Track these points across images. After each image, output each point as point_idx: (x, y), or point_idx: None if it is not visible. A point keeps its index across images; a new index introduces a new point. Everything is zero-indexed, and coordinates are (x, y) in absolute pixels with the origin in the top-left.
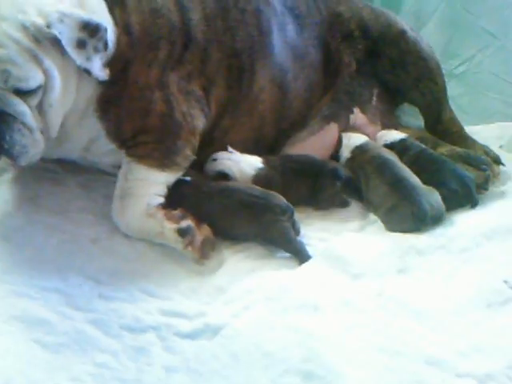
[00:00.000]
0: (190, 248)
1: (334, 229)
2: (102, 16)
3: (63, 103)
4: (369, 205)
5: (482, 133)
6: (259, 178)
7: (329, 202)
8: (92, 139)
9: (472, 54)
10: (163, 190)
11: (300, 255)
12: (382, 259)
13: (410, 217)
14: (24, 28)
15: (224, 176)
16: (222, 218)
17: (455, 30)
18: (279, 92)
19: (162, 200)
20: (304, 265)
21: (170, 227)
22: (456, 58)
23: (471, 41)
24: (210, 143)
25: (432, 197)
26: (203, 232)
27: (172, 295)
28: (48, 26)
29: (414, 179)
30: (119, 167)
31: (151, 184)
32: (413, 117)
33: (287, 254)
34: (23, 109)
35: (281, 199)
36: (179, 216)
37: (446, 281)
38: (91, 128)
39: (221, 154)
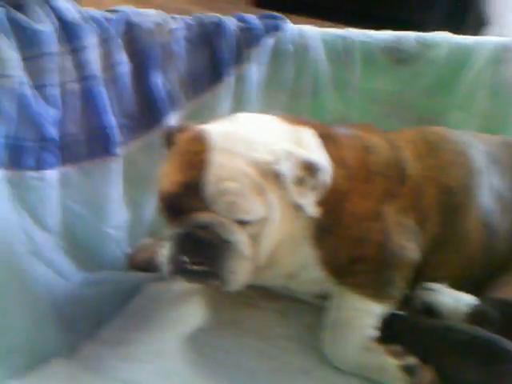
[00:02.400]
0: None
1: None
2: (319, 153)
3: (278, 233)
4: None
5: None
6: (475, 316)
7: None
8: (302, 266)
9: None
10: (378, 323)
11: None
12: None
13: None
14: (255, 164)
15: (428, 311)
16: (441, 361)
17: None
18: (487, 232)
19: (376, 333)
20: None
21: (394, 363)
22: None
23: None
24: (418, 279)
25: None
26: (429, 373)
27: None
28: (276, 163)
29: None
30: (320, 297)
31: (367, 315)
32: None
33: None
34: (242, 238)
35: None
36: (401, 352)
37: None
38: (303, 255)
39: (435, 285)
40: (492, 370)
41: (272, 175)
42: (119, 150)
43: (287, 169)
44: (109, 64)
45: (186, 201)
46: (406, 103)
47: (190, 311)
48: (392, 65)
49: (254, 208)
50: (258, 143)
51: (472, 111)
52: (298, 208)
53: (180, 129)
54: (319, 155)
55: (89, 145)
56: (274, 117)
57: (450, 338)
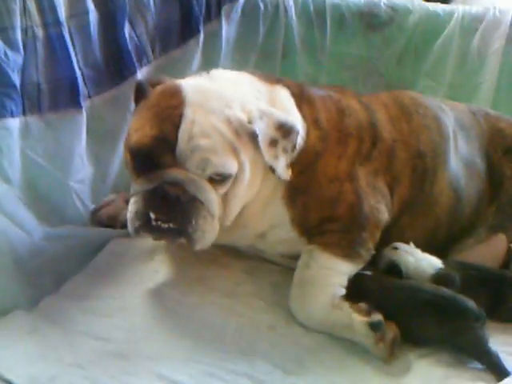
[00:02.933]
0: (381, 345)
1: None
2: (293, 113)
3: (247, 194)
4: None
5: None
6: (438, 278)
7: (507, 315)
8: (272, 226)
9: None
10: (345, 282)
11: (497, 369)
12: None
13: None
14: (229, 121)
15: (393, 270)
16: (407, 318)
17: None
18: (454, 196)
19: (344, 291)
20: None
21: (359, 320)
22: None
23: None
24: (386, 240)
25: None
26: (392, 329)
27: None
28: (249, 122)
29: None
30: (287, 257)
31: (336, 274)
32: None
33: (480, 366)
34: (212, 197)
35: (473, 304)
36: (367, 309)
37: None
38: (274, 215)
39: (403, 246)
40: (453, 326)
41: (245, 134)
42: (86, 103)
43: (261, 128)
44: (75, 11)
45: (156, 155)
46: (376, 69)
47: (155, 268)
48: (363, 30)
49: (226, 165)
50: (232, 100)
51: (440, 80)
52: (269, 169)
53: (152, 82)
54: (294, 116)
55: (52, 95)
56: (249, 74)
57: (415, 297)
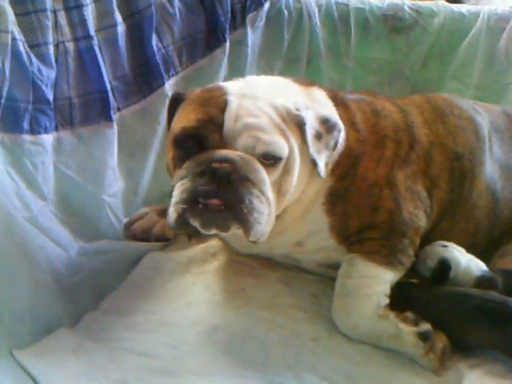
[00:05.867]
0: (430, 355)
1: None
2: (333, 112)
3: (295, 190)
4: None
5: None
6: (483, 281)
7: None
8: (310, 233)
9: None
10: (389, 290)
11: None
12: None
13: None
14: (275, 107)
15: (441, 268)
16: (456, 325)
17: None
18: (493, 200)
19: (388, 300)
20: None
21: (408, 330)
22: None
23: None
24: (426, 245)
25: None
26: (441, 339)
27: None
28: (297, 109)
29: None
30: (324, 265)
31: (379, 282)
32: None
33: None
34: (264, 177)
35: None
36: (414, 319)
37: None
38: (313, 221)
39: (452, 244)
40: (506, 330)
41: (293, 122)
42: (115, 116)
43: (308, 118)
44: (104, 24)
45: (204, 136)
46: (401, 73)
47: (193, 280)
48: (387, 33)
49: (276, 144)
50: (278, 94)
51: (466, 81)
52: (312, 166)
53: (189, 91)
54: (335, 114)
55: (83, 109)
56: (283, 78)
57: (465, 302)
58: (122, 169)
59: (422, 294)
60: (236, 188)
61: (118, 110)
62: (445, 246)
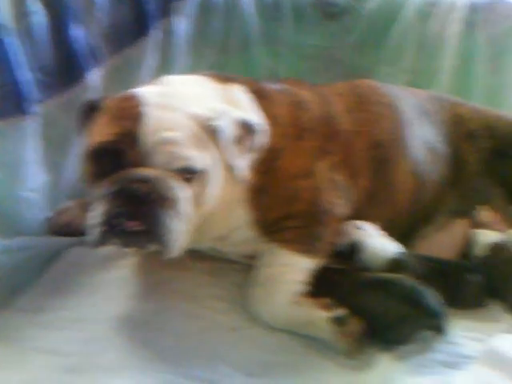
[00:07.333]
0: (345, 339)
1: (483, 329)
2: (253, 111)
3: (217, 196)
4: (507, 306)
5: None
6: (394, 264)
7: (467, 302)
8: (234, 228)
9: None
10: (307, 278)
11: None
12: None
13: None
14: (191, 117)
15: (347, 251)
16: (378, 313)
17: None
18: (416, 183)
19: (305, 287)
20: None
21: (322, 316)
22: None
23: None
24: None
25: None
26: (357, 323)
27: None
28: (213, 118)
29: None
30: (247, 256)
31: (295, 270)
32: None
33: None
34: (182, 195)
35: (435, 299)
36: (329, 304)
37: None
38: (236, 218)
39: (369, 226)
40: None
41: (211, 131)
42: (36, 108)
43: (225, 125)
44: (21, 13)
45: (120, 152)
46: (337, 59)
47: (114, 275)
48: (321, 19)
49: (194, 158)
50: (191, 100)
51: (400, 66)
52: (232, 170)
53: (104, 98)
54: (254, 115)
55: (0, 102)
56: (202, 76)
57: (389, 292)
58: (46, 162)
59: (343, 280)
60: (153, 209)
61: (41, 101)
62: (360, 229)
